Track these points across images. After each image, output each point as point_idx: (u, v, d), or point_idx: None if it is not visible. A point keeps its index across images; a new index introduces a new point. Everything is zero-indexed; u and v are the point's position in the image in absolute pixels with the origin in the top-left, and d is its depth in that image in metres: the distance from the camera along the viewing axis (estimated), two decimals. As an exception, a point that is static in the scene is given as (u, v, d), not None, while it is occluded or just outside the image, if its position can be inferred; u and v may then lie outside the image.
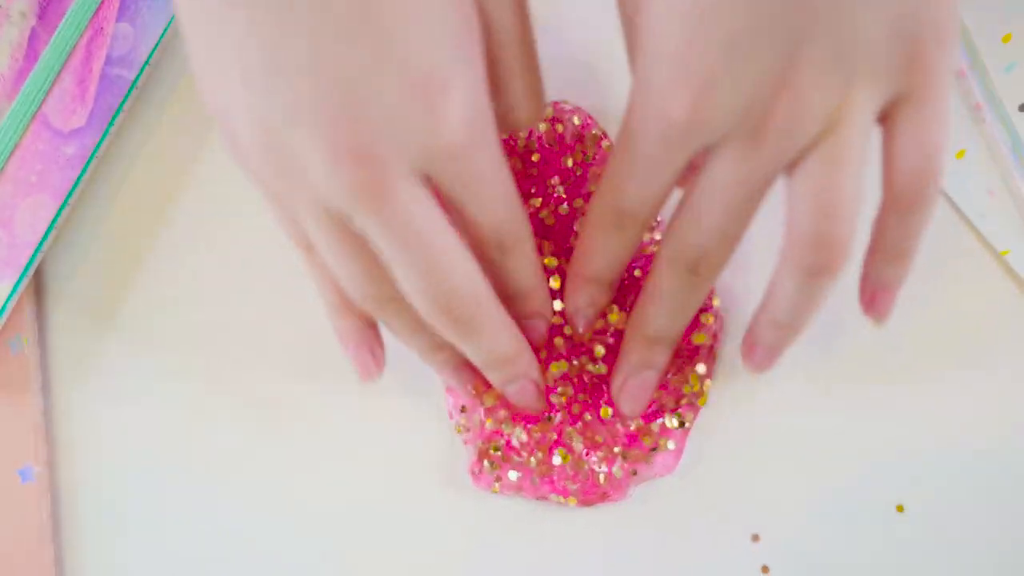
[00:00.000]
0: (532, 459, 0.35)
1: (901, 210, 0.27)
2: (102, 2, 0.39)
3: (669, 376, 0.35)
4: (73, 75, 0.39)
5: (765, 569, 0.36)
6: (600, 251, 0.31)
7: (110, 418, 0.39)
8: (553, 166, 0.37)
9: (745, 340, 0.32)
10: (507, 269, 0.30)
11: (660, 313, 0.31)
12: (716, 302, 0.36)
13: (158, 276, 0.39)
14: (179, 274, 0.39)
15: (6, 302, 0.37)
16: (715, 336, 0.36)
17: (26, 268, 0.38)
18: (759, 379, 0.37)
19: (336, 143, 0.25)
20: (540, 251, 0.35)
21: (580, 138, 0.37)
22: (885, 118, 0.26)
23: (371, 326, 0.33)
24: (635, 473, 0.35)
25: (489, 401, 0.35)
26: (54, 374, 0.39)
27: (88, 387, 0.39)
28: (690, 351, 0.35)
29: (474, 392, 0.35)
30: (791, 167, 0.26)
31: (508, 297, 0.31)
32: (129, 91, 0.39)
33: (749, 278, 0.37)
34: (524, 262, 0.31)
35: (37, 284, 0.39)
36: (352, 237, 0.27)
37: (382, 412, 0.38)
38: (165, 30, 0.39)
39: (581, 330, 0.34)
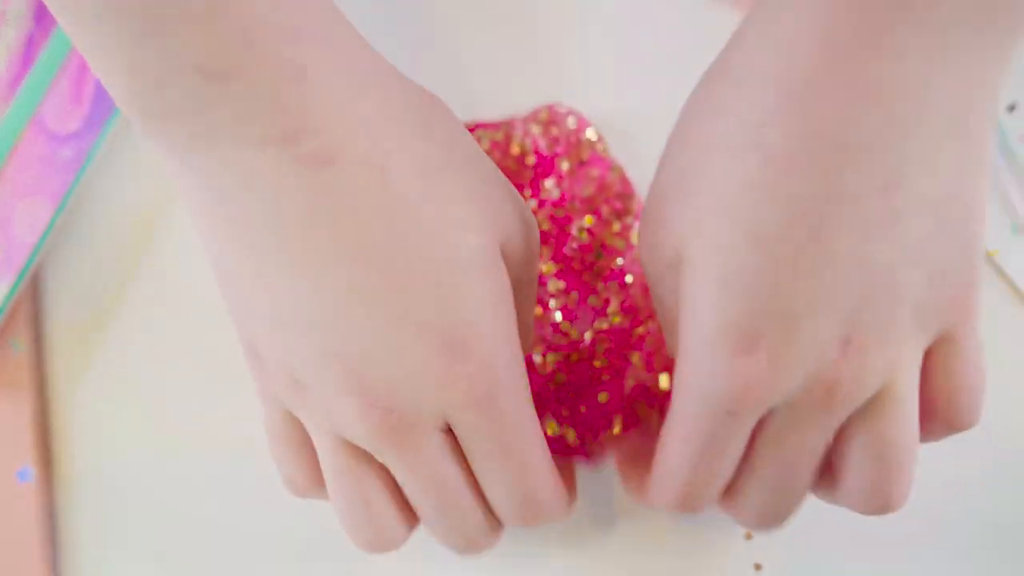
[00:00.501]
0: None
1: (940, 435, 0.28)
2: (98, 5, 0.39)
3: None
4: (70, 78, 0.39)
5: (758, 567, 0.36)
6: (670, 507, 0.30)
7: (107, 419, 0.39)
8: (547, 169, 0.37)
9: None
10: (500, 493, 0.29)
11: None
12: None
13: (155, 278, 0.39)
14: (176, 276, 0.39)
15: (4, 304, 0.38)
16: None
17: (24, 270, 0.38)
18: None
19: (363, 393, 0.25)
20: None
21: (576, 141, 0.37)
22: (924, 360, 0.27)
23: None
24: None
25: None
26: (51, 375, 0.39)
27: (85, 388, 0.39)
28: None
29: None
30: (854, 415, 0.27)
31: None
32: (126, 94, 0.39)
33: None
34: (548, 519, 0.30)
35: (34, 286, 0.39)
36: (375, 469, 0.28)
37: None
38: (161, 33, 0.39)
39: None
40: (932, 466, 0.36)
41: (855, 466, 0.27)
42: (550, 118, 0.37)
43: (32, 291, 0.39)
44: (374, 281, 0.25)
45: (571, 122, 0.37)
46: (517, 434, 0.27)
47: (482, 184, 0.27)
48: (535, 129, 0.37)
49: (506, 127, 0.38)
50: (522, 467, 0.28)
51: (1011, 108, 0.37)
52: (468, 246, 0.25)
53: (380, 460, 0.27)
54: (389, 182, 0.25)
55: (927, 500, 0.36)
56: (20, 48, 0.39)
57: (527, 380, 0.28)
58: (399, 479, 0.28)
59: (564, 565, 0.37)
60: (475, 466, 0.28)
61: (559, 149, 0.37)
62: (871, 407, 0.26)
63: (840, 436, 0.27)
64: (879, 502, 0.27)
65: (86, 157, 0.39)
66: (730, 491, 0.29)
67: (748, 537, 0.36)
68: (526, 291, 0.30)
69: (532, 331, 0.30)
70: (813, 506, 0.36)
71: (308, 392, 0.27)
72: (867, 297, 0.24)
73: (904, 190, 0.23)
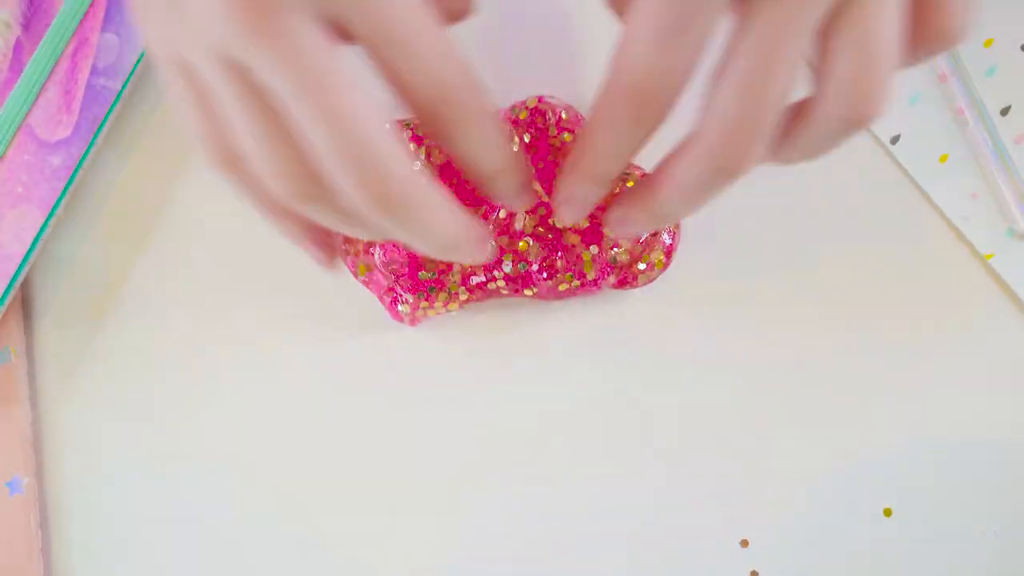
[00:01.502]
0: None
1: (931, 49, 0.26)
2: (87, 12, 0.39)
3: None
4: (58, 86, 0.38)
5: (754, 574, 0.36)
6: (611, 146, 0.27)
7: (98, 429, 0.38)
8: (540, 153, 0.37)
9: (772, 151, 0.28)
10: (468, 147, 0.26)
11: (672, 199, 0.27)
12: None
13: (145, 286, 0.39)
14: (166, 284, 0.39)
15: (-7, 314, 0.37)
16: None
17: (13, 279, 0.38)
18: (748, 383, 0.37)
19: None
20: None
21: (568, 130, 0.37)
22: (825, 25, 0.24)
23: (308, 220, 0.29)
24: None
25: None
26: (42, 385, 0.39)
27: (76, 398, 0.39)
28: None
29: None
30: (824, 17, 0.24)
31: (477, 180, 0.28)
32: (115, 102, 0.39)
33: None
34: (481, 129, 0.26)
35: (24, 295, 0.39)
36: (250, 89, 0.24)
37: (377, 419, 0.38)
38: (150, 40, 0.39)
39: (567, 223, 0.31)
40: (923, 472, 0.36)
41: (835, 60, 0.24)
42: (539, 108, 0.37)
43: (22, 300, 0.39)
44: None
45: (564, 114, 0.37)
46: (413, 25, 0.24)
47: None
48: (522, 115, 0.37)
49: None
50: (430, 56, 0.24)
51: (1005, 111, 0.37)
52: None
53: (256, 71, 0.23)
54: None
55: (918, 506, 0.36)
56: (8, 56, 0.39)
57: None
58: (277, 91, 0.23)
59: (558, 572, 0.37)
60: (377, 52, 0.24)
61: (548, 138, 0.37)
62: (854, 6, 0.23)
63: (823, 34, 0.24)
64: (857, 103, 0.24)
65: (76, 165, 0.38)
66: (707, 97, 0.25)
67: (744, 545, 0.36)
68: None
69: None
70: (807, 513, 0.36)
71: (181, 6, 0.23)
72: None
73: None
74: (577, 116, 0.37)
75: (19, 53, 0.39)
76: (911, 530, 0.36)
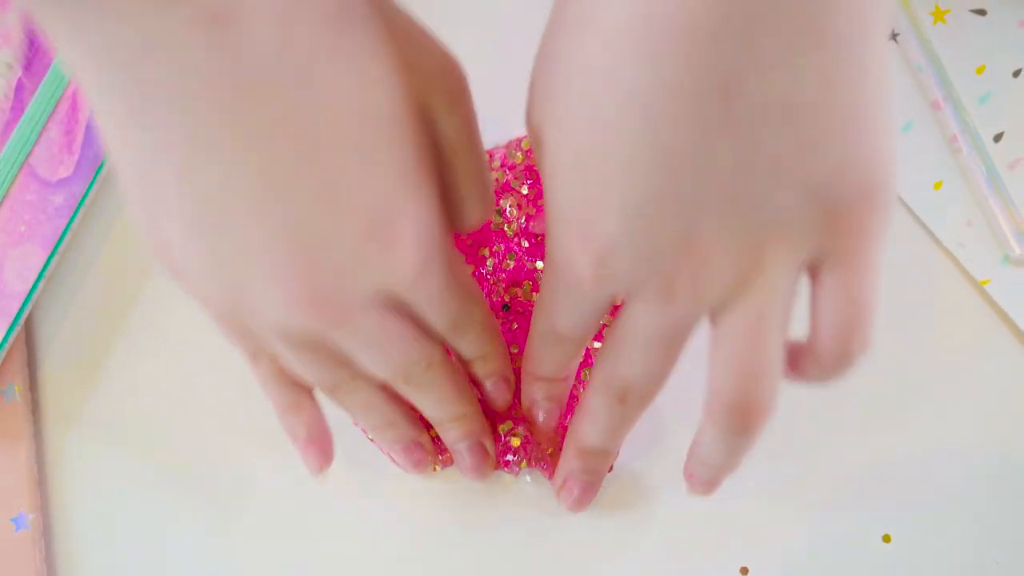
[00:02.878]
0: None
1: (823, 366, 0.27)
2: (87, 52, 0.39)
3: None
4: (60, 125, 0.39)
5: (744, 570, 0.36)
6: (545, 359, 0.32)
7: (103, 465, 0.39)
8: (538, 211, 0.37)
9: (685, 468, 0.32)
10: (464, 342, 0.31)
11: (593, 431, 0.32)
12: None
13: (147, 322, 0.39)
14: (168, 320, 0.39)
15: (-3, 351, 0.38)
16: None
17: (16, 317, 0.38)
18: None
19: (291, 291, 0.25)
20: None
21: None
22: (813, 275, 0.26)
23: (320, 422, 0.33)
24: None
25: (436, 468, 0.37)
26: (46, 421, 0.39)
27: (80, 434, 0.39)
28: None
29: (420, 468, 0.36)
30: (714, 316, 0.26)
31: (466, 363, 0.33)
32: (115, 140, 0.39)
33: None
34: (477, 332, 0.31)
35: (28, 332, 0.40)
36: (314, 349, 0.28)
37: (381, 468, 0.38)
38: (150, 78, 0.39)
39: (541, 422, 0.35)
40: (923, 498, 0.36)
41: (714, 374, 0.27)
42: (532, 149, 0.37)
43: (25, 338, 0.40)
44: (289, 153, 0.23)
45: None
46: (459, 297, 0.28)
47: (396, 33, 0.25)
48: (518, 156, 0.37)
49: (486, 157, 0.38)
50: (455, 308, 0.28)
51: (998, 138, 0.37)
52: (380, 104, 0.24)
53: (334, 347, 0.27)
54: (294, 38, 0.22)
55: (918, 533, 0.36)
56: (10, 96, 0.39)
57: (452, 239, 0.29)
58: (357, 358, 0.28)
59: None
60: (436, 330, 0.29)
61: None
62: (731, 311, 0.25)
63: (711, 339, 0.26)
64: (736, 420, 0.27)
65: (77, 203, 0.39)
66: (600, 354, 0.29)
67: (744, 573, 0.36)
68: (462, 138, 0.28)
69: (485, 183, 0.30)
70: (807, 539, 0.36)
71: (237, 301, 0.26)
72: (713, 203, 0.23)
73: (745, 93, 0.22)
74: None
75: (20, 94, 0.39)
76: (910, 557, 0.36)
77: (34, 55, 0.39)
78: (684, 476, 0.32)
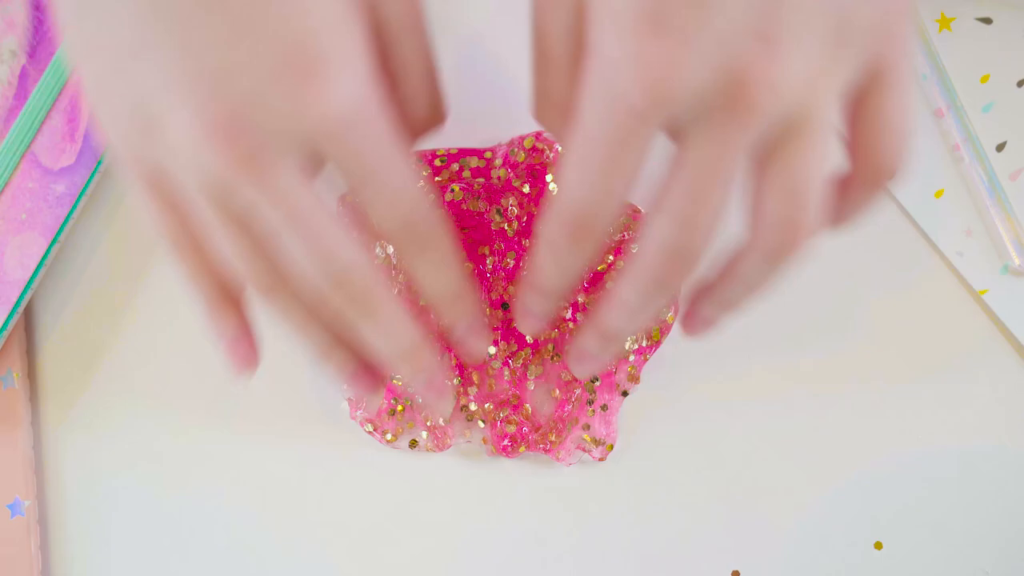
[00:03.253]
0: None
1: (870, 183, 0.27)
2: (92, 41, 0.39)
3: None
4: (63, 114, 0.39)
5: (736, 574, 0.36)
6: (554, 267, 0.28)
7: (99, 453, 0.39)
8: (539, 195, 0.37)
9: (690, 312, 0.31)
10: (422, 272, 0.28)
11: (618, 316, 0.29)
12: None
13: (147, 313, 0.40)
14: (167, 310, 0.39)
15: (-4, 338, 0.38)
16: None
17: (16, 304, 0.38)
18: (739, 416, 0.37)
19: (207, 120, 0.23)
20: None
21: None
22: (851, 96, 0.25)
23: (247, 321, 0.31)
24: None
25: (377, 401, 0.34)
26: (43, 409, 0.39)
27: (77, 422, 0.39)
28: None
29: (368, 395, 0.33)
30: (756, 147, 0.25)
31: (434, 305, 0.30)
32: (118, 129, 0.39)
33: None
34: (440, 263, 0.28)
35: (27, 320, 0.40)
36: (235, 215, 0.26)
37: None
38: (154, 69, 0.39)
39: (528, 335, 0.34)
40: (915, 506, 0.36)
41: (762, 196, 0.25)
42: (535, 147, 0.37)
43: (25, 325, 0.40)
44: None
45: (560, 148, 0.37)
46: (382, 164, 0.25)
47: None
48: (520, 156, 0.37)
49: (490, 154, 0.38)
50: (394, 192, 0.26)
51: (1000, 147, 0.37)
52: None
53: (240, 201, 0.25)
54: None
55: (909, 539, 0.36)
56: (13, 83, 0.39)
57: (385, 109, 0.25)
58: (263, 220, 0.26)
59: (536, 568, 0.37)
60: (350, 183, 0.26)
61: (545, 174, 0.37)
62: (785, 134, 0.24)
63: (756, 169, 0.25)
64: (784, 238, 0.26)
65: (79, 192, 0.39)
66: (646, 223, 0.26)
67: (735, 576, 0.37)
68: (407, 21, 0.26)
69: (432, 75, 0.28)
70: (799, 545, 0.36)
71: (154, 135, 0.25)
72: None
73: None
74: None
75: (24, 81, 0.39)
76: (902, 564, 0.36)
77: (39, 42, 0.39)
78: (684, 318, 0.31)
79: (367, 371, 0.31)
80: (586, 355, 0.31)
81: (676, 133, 0.24)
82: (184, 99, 0.24)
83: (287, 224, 0.25)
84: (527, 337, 0.37)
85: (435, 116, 0.28)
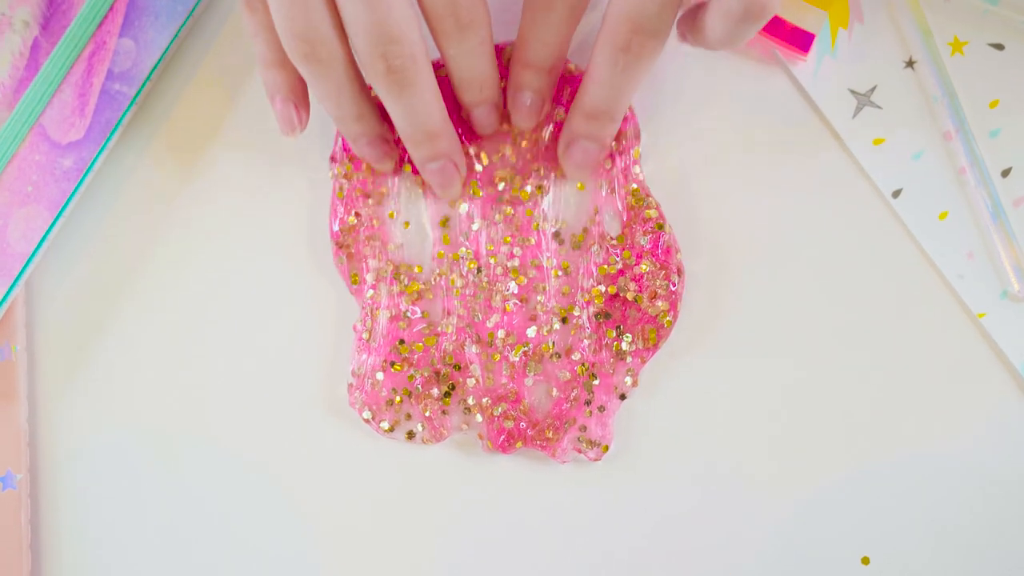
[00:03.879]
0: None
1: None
2: (106, 17, 0.39)
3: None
4: (73, 88, 0.39)
5: None
6: (539, 33, 0.33)
7: (95, 429, 0.39)
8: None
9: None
10: (462, 52, 0.33)
11: (598, 91, 0.33)
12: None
13: (148, 290, 0.39)
14: (169, 288, 0.39)
15: (-4, 310, 0.38)
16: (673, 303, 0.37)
17: (17, 277, 0.38)
18: (727, 428, 0.37)
19: None
20: None
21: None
22: None
23: (300, 82, 0.35)
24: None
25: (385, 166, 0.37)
26: (41, 383, 0.39)
27: (74, 397, 0.39)
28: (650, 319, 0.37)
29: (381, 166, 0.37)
30: None
31: (460, 85, 0.34)
32: (128, 107, 0.39)
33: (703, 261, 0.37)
34: (480, 46, 0.33)
35: (28, 293, 0.40)
36: None
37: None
38: (167, 48, 0.39)
39: (524, 120, 0.36)
40: (902, 521, 0.37)
41: None
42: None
43: (25, 299, 0.39)
44: None
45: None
46: None
47: None
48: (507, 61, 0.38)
49: None
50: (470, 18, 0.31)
51: (1006, 173, 0.37)
52: None
53: None
54: None
55: (897, 555, 0.37)
56: (25, 55, 0.39)
57: None
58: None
59: (527, 567, 0.37)
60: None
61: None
62: None
63: None
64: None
65: (86, 168, 0.39)
66: (607, 10, 0.31)
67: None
68: None
69: None
70: (785, 561, 0.37)
71: None
72: None
73: None
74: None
75: (36, 53, 0.39)
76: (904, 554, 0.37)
77: (52, 14, 0.39)
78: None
79: (384, 141, 0.36)
80: (576, 140, 0.35)
81: None
82: None
83: None
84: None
85: None
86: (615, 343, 0.37)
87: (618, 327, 0.37)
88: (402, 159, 0.37)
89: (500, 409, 0.37)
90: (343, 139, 0.37)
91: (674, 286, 0.36)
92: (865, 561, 0.37)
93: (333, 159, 0.38)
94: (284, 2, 0.31)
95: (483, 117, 0.36)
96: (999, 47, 0.38)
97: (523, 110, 0.36)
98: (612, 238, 0.37)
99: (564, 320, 0.37)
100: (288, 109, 0.35)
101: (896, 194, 0.38)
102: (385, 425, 0.37)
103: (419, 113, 0.33)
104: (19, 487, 0.38)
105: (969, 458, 0.37)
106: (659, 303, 0.36)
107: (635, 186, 0.37)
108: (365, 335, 0.37)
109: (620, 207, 0.37)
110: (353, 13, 0.30)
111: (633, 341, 0.37)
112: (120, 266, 0.40)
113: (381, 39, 0.30)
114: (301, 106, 0.35)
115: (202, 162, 0.40)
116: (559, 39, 0.34)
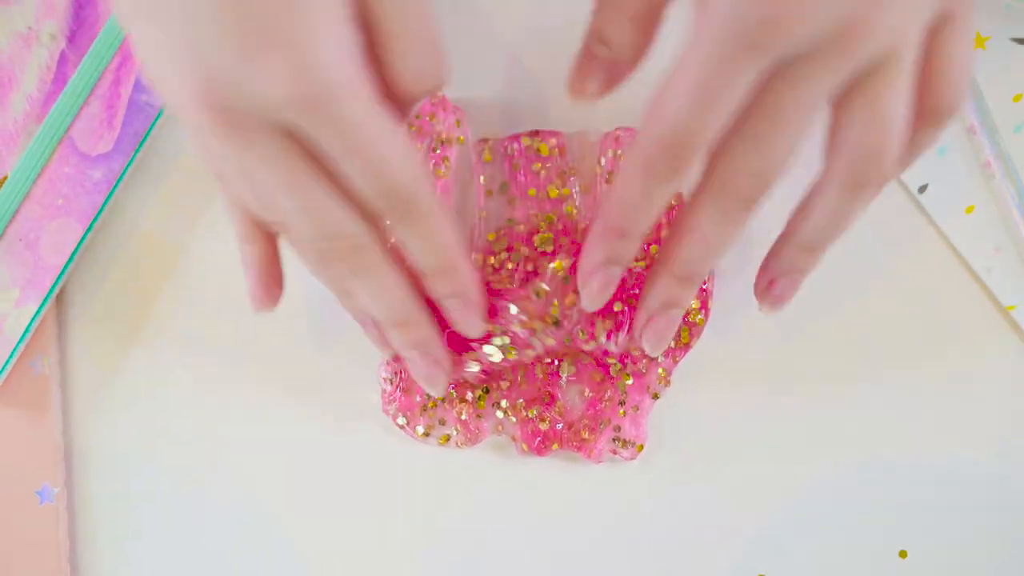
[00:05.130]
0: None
1: (931, 124, 0.28)
2: (132, 28, 0.39)
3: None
4: (101, 100, 0.39)
5: None
6: (640, 197, 0.28)
7: (129, 441, 0.39)
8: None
9: (764, 273, 0.32)
10: (410, 242, 0.29)
11: (696, 250, 0.29)
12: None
13: (178, 300, 0.39)
14: (199, 299, 0.39)
15: (30, 323, 0.38)
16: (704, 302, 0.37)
17: (50, 290, 0.38)
18: (767, 425, 0.38)
19: (187, 86, 0.25)
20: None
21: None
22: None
23: (276, 256, 0.32)
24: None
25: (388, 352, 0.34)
26: (74, 395, 0.39)
27: (107, 408, 0.39)
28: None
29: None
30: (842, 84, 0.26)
31: (424, 276, 0.30)
32: (156, 118, 0.39)
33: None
34: (426, 233, 0.28)
35: (60, 305, 0.40)
36: (299, 149, 0.26)
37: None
38: (194, 58, 0.39)
39: (595, 299, 0.32)
40: (940, 515, 0.37)
41: (846, 128, 0.27)
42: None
43: (58, 310, 0.39)
44: None
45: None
46: (360, 135, 0.25)
47: None
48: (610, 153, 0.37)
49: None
50: (375, 160, 0.26)
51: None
52: None
53: (310, 135, 0.26)
54: None
55: (934, 548, 0.37)
56: (52, 68, 0.39)
57: (368, 81, 0.26)
58: (281, 213, 0.27)
59: (564, 569, 0.37)
60: (333, 162, 0.26)
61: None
62: (872, 71, 0.26)
63: (839, 103, 0.27)
64: (868, 167, 0.27)
65: (116, 179, 0.39)
66: (720, 148, 0.27)
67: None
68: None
69: (426, 32, 0.27)
70: (825, 553, 0.37)
71: (154, 84, 0.27)
72: None
73: None
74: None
75: (63, 66, 0.39)
76: (927, 573, 0.37)
77: (79, 27, 0.39)
78: (761, 287, 0.32)
79: (440, 349, 0.32)
80: (659, 310, 0.31)
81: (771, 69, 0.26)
82: (175, 68, 0.25)
83: (282, 191, 0.27)
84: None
85: (423, 80, 0.28)
86: None
87: None
88: None
89: (535, 411, 0.37)
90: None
91: (705, 284, 0.37)
92: (903, 555, 0.37)
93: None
94: (301, 205, 0.27)
95: (456, 315, 0.31)
96: (1021, 41, 0.38)
97: (596, 289, 0.31)
98: None
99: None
100: (263, 281, 0.32)
101: (922, 190, 0.38)
102: (420, 430, 0.38)
103: (381, 300, 0.30)
104: (56, 500, 0.38)
105: (1002, 449, 0.37)
106: (691, 303, 0.36)
107: None
108: None
109: None
110: (289, 211, 0.27)
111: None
112: (151, 277, 0.40)
113: (322, 236, 0.28)
114: (276, 279, 0.32)
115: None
116: (667, 202, 0.29)
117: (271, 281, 0.32)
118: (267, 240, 0.32)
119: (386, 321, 0.31)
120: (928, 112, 0.28)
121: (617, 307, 0.34)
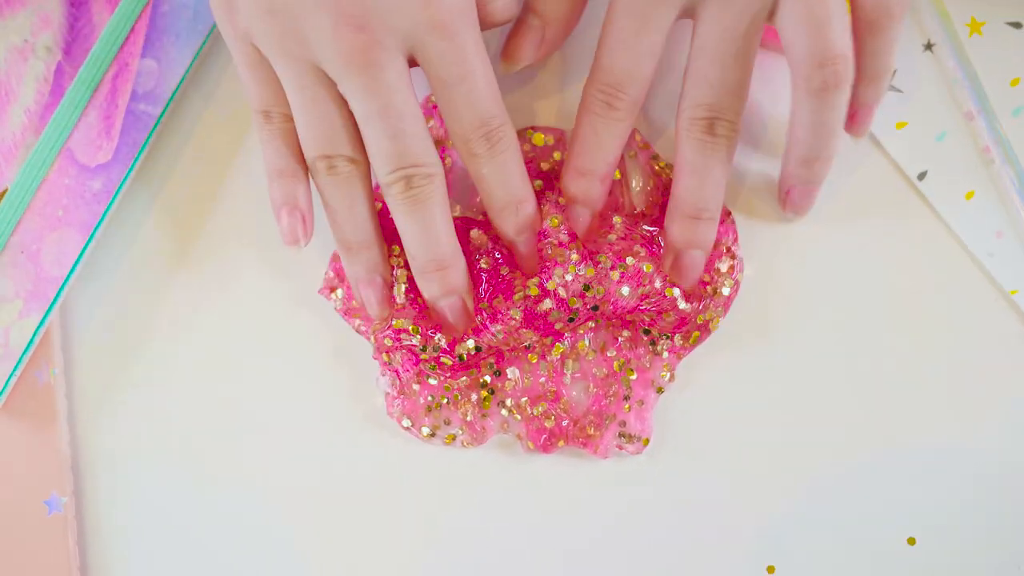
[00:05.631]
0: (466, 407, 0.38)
1: (875, 32, 0.31)
2: (127, 38, 0.39)
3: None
4: (99, 110, 0.39)
5: (771, 569, 0.37)
6: (593, 140, 0.33)
7: (136, 450, 0.39)
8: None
9: (781, 188, 0.36)
10: (491, 174, 0.33)
11: (691, 185, 0.33)
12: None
13: (182, 308, 0.40)
14: (202, 307, 0.40)
15: (34, 334, 0.38)
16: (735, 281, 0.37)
17: (53, 301, 0.38)
18: (773, 417, 0.38)
19: (339, 12, 0.29)
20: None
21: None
22: None
23: (307, 195, 0.34)
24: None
25: (378, 325, 0.36)
26: (80, 404, 0.39)
27: (113, 418, 0.39)
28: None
29: (378, 315, 0.36)
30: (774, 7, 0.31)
31: (494, 208, 0.34)
32: (154, 127, 0.39)
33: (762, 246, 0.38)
34: (511, 164, 0.33)
35: (63, 315, 0.40)
36: (334, 96, 0.31)
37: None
38: (190, 66, 0.39)
39: (579, 228, 0.35)
40: (948, 501, 0.37)
41: (791, 43, 0.31)
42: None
43: (61, 321, 0.40)
44: None
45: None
46: (474, 62, 0.31)
47: None
48: (525, 148, 0.37)
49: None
50: (479, 91, 0.31)
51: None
52: None
53: (342, 89, 0.31)
54: None
55: (943, 535, 0.37)
56: (49, 80, 0.39)
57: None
58: (356, 109, 0.31)
59: (573, 565, 0.37)
60: (442, 75, 0.31)
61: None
62: None
63: (776, 20, 0.31)
64: (824, 71, 0.30)
65: (115, 189, 0.39)
66: (681, 102, 0.33)
67: (771, 572, 0.37)
68: None
69: None
70: (832, 541, 0.37)
71: (281, 17, 0.30)
72: None
73: None
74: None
75: (60, 78, 0.39)
76: (935, 560, 0.37)
77: (74, 39, 0.39)
78: (781, 197, 0.36)
79: (386, 283, 0.35)
80: (682, 249, 0.34)
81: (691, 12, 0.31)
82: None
83: (377, 112, 0.31)
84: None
85: (512, 9, 0.33)
86: (651, 342, 0.37)
87: (646, 330, 0.37)
88: None
89: (540, 408, 0.37)
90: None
91: (727, 292, 0.36)
92: (911, 542, 0.37)
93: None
94: (310, 113, 0.32)
95: (523, 245, 0.35)
96: (1017, 25, 0.38)
97: (577, 218, 0.35)
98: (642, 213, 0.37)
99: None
100: (295, 221, 0.34)
101: (921, 176, 0.38)
102: (426, 430, 0.38)
103: (428, 244, 0.33)
104: (65, 510, 0.38)
105: (1008, 434, 0.37)
106: (712, 310, 0.36)
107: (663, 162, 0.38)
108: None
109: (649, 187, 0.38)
110: (375, 136, 0.31)
111: (671, 342, 0.37)
112: (153, 285, 0.40)
113: (401, 160, 0.31)
114: (306, 217, 0.34)
115: (231, 177, 0.40)
116: (619, 142, 0.34)
117: (308, 214, 0.35)
118: (304, 175, 0.34)
119: (430, 263, 0.33)
120: (867, 19, 0.31)
121: (630, 260, 0.35)
